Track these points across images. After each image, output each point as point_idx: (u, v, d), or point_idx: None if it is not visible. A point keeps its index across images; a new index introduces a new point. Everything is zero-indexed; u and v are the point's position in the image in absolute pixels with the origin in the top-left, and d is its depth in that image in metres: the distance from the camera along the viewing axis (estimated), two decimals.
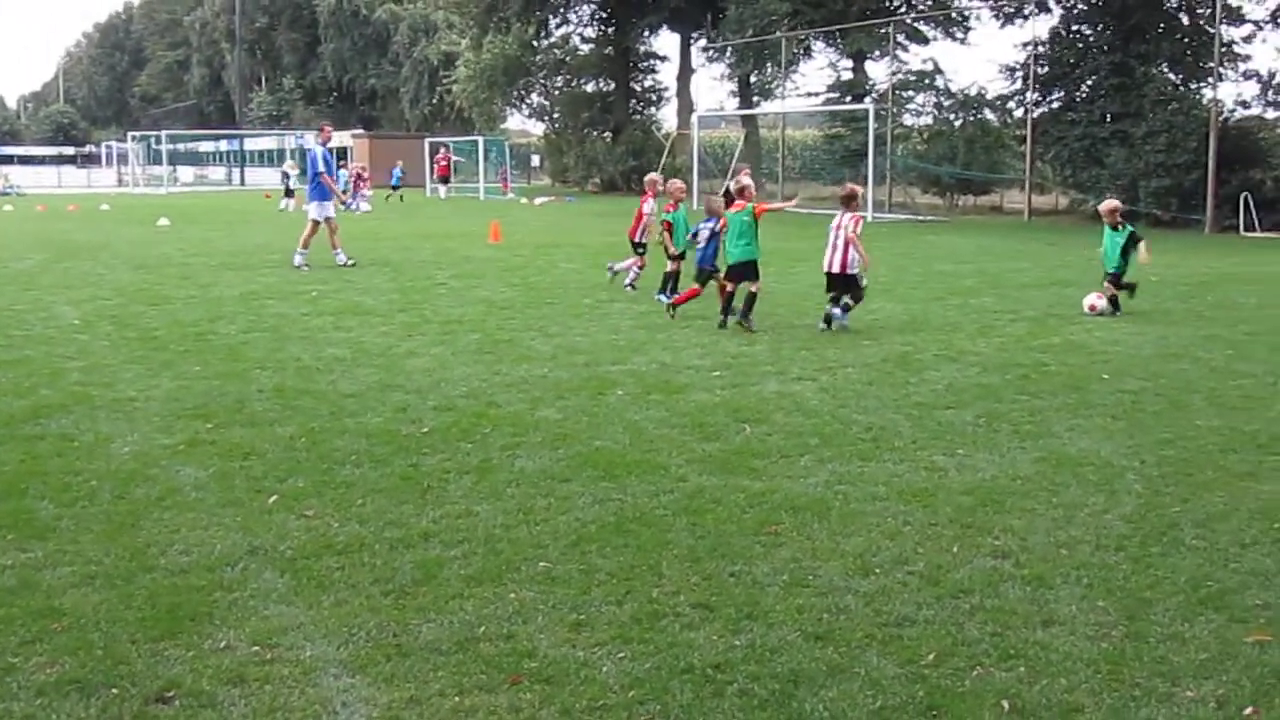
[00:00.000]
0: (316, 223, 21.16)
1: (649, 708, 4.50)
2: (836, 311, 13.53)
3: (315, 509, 6.92)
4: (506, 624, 5.29)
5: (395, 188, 49.67)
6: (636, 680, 4.73)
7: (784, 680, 4.72)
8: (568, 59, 62.41)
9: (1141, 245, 15.28)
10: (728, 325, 13.69)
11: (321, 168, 21.38)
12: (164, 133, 73.88)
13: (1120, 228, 15.39)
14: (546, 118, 66.42)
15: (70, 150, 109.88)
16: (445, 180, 54.63)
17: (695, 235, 15.01)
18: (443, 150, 56.92)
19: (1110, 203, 16.02)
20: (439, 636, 5.15)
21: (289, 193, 43.16)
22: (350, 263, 21.00)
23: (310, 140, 40.33)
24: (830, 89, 49.20)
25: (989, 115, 43.18)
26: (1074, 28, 39.03)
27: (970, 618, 5.35)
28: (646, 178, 18.53)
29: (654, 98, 63.78)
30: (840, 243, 13.45)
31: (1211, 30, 34.60)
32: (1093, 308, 14.68)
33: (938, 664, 4.86)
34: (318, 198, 21.30)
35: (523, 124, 79.43)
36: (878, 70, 47.34)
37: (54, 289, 17.95)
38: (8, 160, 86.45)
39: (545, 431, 8.81)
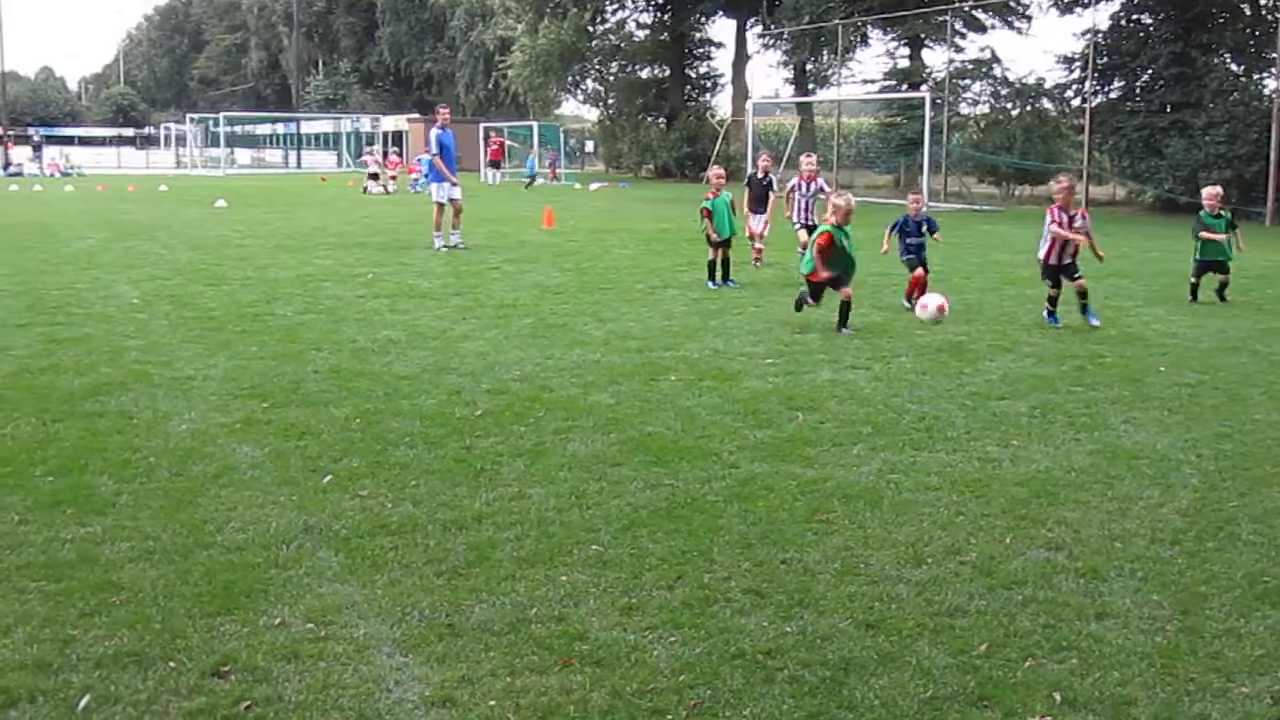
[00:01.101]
0: (440, 204, 21.47)
1: (699, 692, 4.51)
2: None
3: (369, 489, 6.98)
4: (558, 606, 5.31)
5: (531, 177, 50.41)
6: (687, 665, 4.74)
7: (835, 668, 4.71)
8: (623, 45, 62.25)
9: (1238, 232, 15.19)
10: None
11: (435, 150, 21.58)
12: (222, 115, 74.55)
13: (1223, 214, 15.17)
14: (601, 104, 66.36)
15: (130, 132, 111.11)
16: (497, 165, 54.76)
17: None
18: (495, 134, 57.12)
19: (1213, 188, 15.77)
20: (491, 617, 5.18)
21: (374, 176, 44.04)
22: (461, 246, 21.33)
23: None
24: (886, 76, 48.87)
25: (1046, 104, 42.73)
26: (1134, 17, 38.50)
27: (1023, 609, 5.31)
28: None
29: (709, 84, 63.58)
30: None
31: (1275, 19, 34.06)
32: (942, 308, 12.69)
33: (989, 655, 4.84)
34: (435, 179, 21.67)
35: (577, 110, 79.50)
36: (935, 58, 47.00)
37: (113, 268, 18.17)
38: (69, 141, 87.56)
39: (598, 416, 8.83)
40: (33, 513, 6.54)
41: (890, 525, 6.45)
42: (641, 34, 62.68)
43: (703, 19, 60.75)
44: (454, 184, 21.41)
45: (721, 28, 63.71)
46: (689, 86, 62.08)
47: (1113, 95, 38.75)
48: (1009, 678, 4.65)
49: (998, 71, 43.83)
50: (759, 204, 19.01)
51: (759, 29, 57.47)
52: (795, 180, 17.91)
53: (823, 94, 55.76)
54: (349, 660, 4.77)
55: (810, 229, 15.69)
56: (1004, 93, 43.61)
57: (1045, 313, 13.25)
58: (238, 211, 31.90)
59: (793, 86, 57.68)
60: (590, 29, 60.64)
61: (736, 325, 12.96)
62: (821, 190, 17.38)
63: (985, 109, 44.83)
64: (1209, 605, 5.35)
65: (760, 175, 19.64)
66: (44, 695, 4.48)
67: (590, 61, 62.54)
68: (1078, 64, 39.26)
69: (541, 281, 16.74)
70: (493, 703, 4.42)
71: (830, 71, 53.48)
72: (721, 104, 63.52)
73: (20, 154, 64.85)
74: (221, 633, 5.02)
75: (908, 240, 14.90)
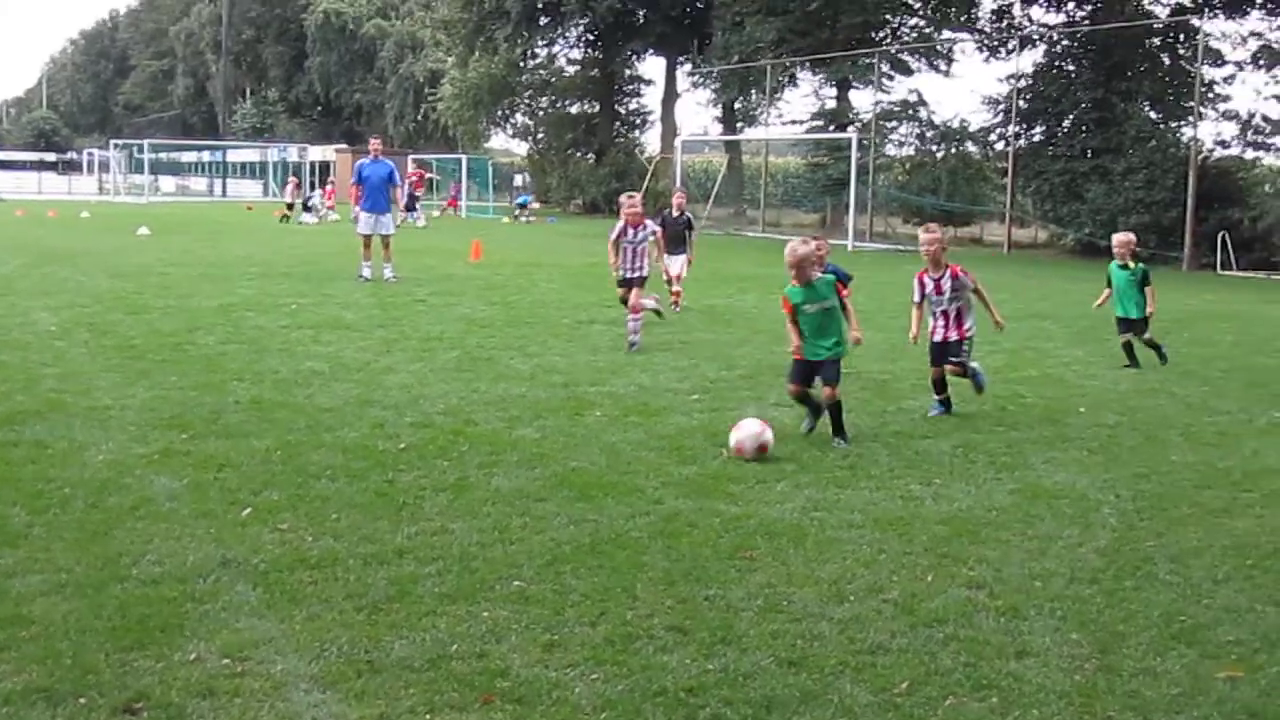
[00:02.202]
0: (364, 236, 21.35)
1: None
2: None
3: (289, 522, 6.88)
4: (479, 643, 5.27)
5: (523, 206, 50.64)
6: (609, 702, 4.71)
7: (757, 706, 4.70)
8: (553, 80, 62.48)
9: (1149, 292, 13.74)
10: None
11: (353, 180, 21.78)
12: (147, 141, 73.75)
13: (1134, 264, 13.85)
14: (530, 138, 66.45)
15: (51, 157, 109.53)
16: (414, 199, 54.48)
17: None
18: (415, 167, 56.82)
19: (1124, 235, 14.29)
20: (411, 654, 5.13)
21: (290, 206, 45.03)
22: (392, 279, 21.12)
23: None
24: (814, 117, 49.46)
25: (971, 147, 43.47)
26: (1056, 63, 39.38)
27: (944, 647, 5.34)
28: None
29: (638, 121, 63.91)
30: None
31: (1192, 70, 34.93)
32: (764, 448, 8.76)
33: (911, 693, 4.86)
34: (364, 209, 21.53)
35: (506, 143, 79.50)
36: (862, 99, 47.60)
37: (31, 295, 17.86)
38: None
39: (522, 451, 8.79)
40: None
41: (813, 562, 6.47)
42: (571, 69, 62.96)
43: (633, 56, 61.10)
44: (376, 217, 21.30)
45: (651, 65, 64.16)
46: (618, 123, 62.38)
47: (1035, 139, 39.55)
48: (930, 716, 4.67)
49: (923, 114, 44.50)
50: (675, 244, 17.64)
51: (689, 68, 57.93)
52: (620, 225, 14.30)
53: (751, 133, 56.34)
54: (265, 697, 4.69)
55: (631, 283, 14.08)
56: (929, 135, 44.28)
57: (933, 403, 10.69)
58: (161, 239, 31.51)
59: (721, 125, 58.17)
60: (520, 64, 60.79)
61: (662, 361, 12.97)
62: (653, 234, 14.70)
63: (911, 150, 45.49)
64: (1126, 644, 5.41)
65: (675, 214, 18.41)
66: None
67: (520, 95, 62.68)
68: (1002, 108, 40.00)
69: (468, 314, 16.68)
70: None
71: (759, 111, 54.06)
72: (650, 140, 63.91)
73: None
74: (135, 668, 4.92)
75: None
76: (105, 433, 9.02)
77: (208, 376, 11.39)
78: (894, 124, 45.10)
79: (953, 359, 10.52)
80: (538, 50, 61.69)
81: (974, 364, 10.76)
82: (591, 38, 60.81)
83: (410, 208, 41.50)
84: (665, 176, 51.36)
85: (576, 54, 62.95)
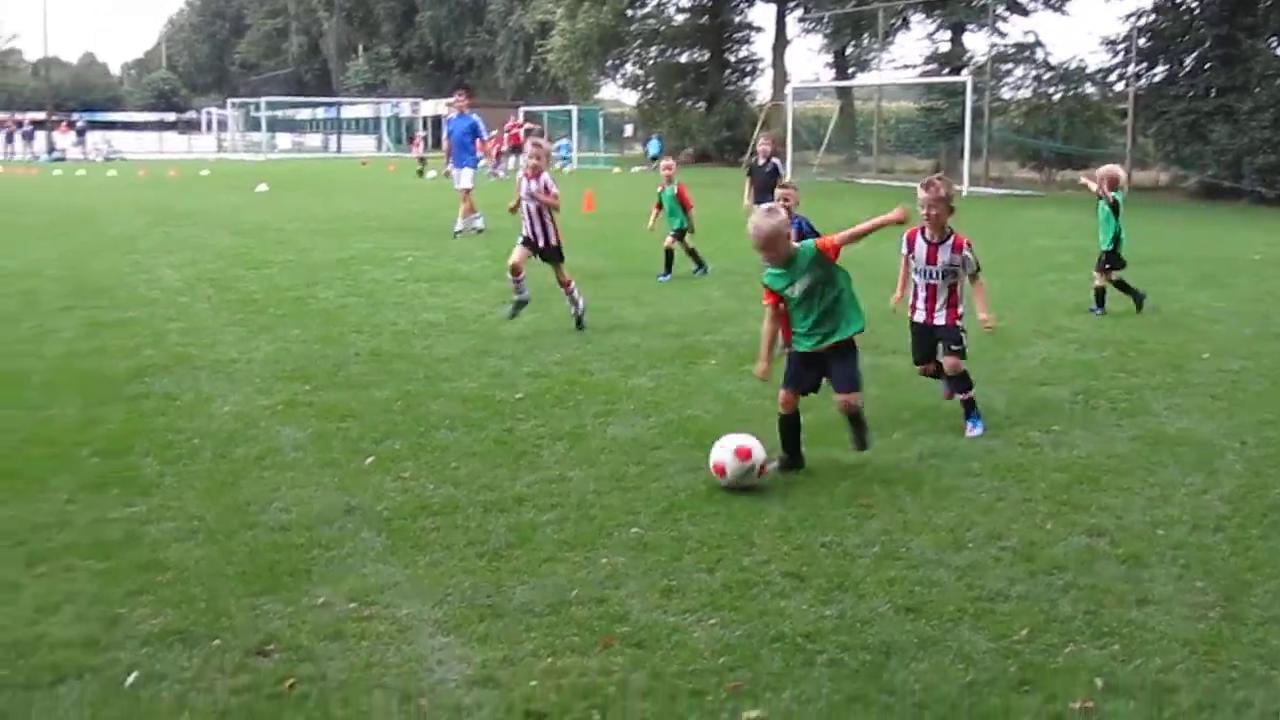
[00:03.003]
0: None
1: (739, 674, 4.52)
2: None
3: (411, 471, 7.02)
4: (598, 588, 5.34)
5: (654, 158, 51.01)
6: (728, 647, 4.75)
7: (875, 651, 4.71)
8: (662, 29, 62.13)
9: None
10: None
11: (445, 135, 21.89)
12: (262, 99, 74.82)
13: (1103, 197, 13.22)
14: (640, 88, 66.23)
15: (171, 116, 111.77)
16: (517, 150, 54.65)
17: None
18: (512, 119, 57.01)
19: (1110, 169, 13.70)
20: (532, 599, 5.22)
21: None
22: (463, 232, 21.29)
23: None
24: (927, 60, 48.60)
25: (1089, 89, 42.35)
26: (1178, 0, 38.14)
27: (1064, 595, 5.29)
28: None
29: (748, 68, 63.44)
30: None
31: None
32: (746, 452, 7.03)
33: (1030, 640, 4.83)
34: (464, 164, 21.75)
35: (617, 94, 79.28)
36: (976, 42, 46.86)
37: (156, 252, 18.33)
38: (111, 125, 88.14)
39: (638, 399, 8.85)
40: (80, 493, 6.63)
41: (930, 510, 6.43)
42: (681, 18, 62.55)
43: (743, 2, 60.53)
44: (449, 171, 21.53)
45: (761, 12, 63.58)
46: (728, 70, 61.94)
47: (1156, 79, 38.33)
48: (1050, 663, 4.63)
49: (1040, 55, 43.48)
50: (763, 193, 15.79)
51: (799, 13, 57.22)
52: (521, 180, 12.29)
53: (862, 78, 55.52)
54: (391, 640, 4.81)
55: (534, 245, 11.96)
56: (1046, 77, 43.24)
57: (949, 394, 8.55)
58: (278, 195, 32.07)
59: (833, 71, 57.41)
60: (629, 13, 60.53)
61: None
62: (546, 189, 11.89)
63: (1027, 93, 44.47)
64: (1252, 592, 5.31)
65: (762, 162, 17.23)
66: (92, 672, 4.54)
67: (629, 45, 62.44)
68: (1121, 47, 38.88)
69: (581, 265, 16.71)
70: (534, 683, 4.45)
71: (871, 56, 53.24)
72: (761, 88, 63.37)
73: (64, 139, 65.36)
74: (265, 612, 5.08)
75: None
76: (231, 385, 9.27)
77: (328, 329, 11.62)
78: (1009, 66, 44.14)
79: (953, 346, 8.22)
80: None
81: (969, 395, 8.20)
82: None
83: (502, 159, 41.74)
84: (776, 124, 50.93)
85: (686, 2, 62.53)
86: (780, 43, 60.19)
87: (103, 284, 14.69)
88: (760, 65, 62.99)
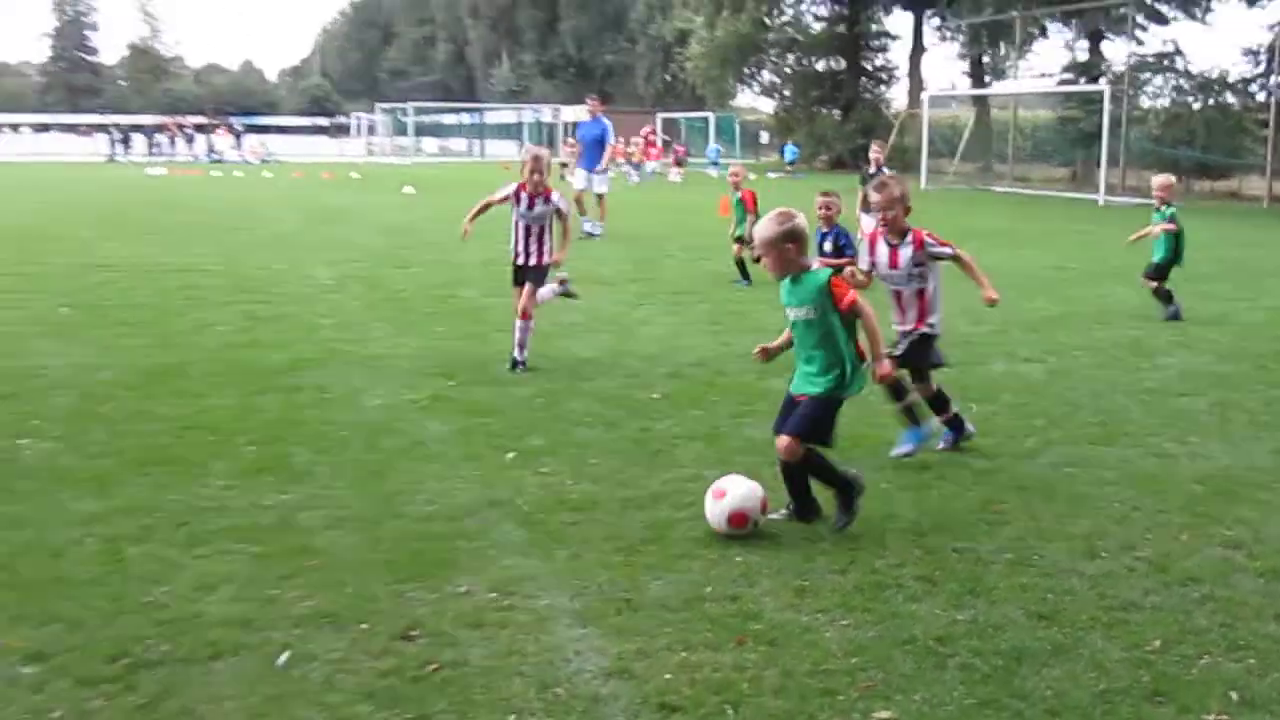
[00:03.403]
0: (582, 191, 21.62)
1: (870, 675, 4.49)
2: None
3: (550, 467, 7.09)
4: (732, 585, 5.34)
5: (790, 163, 51.43)
6: (860, 647, 4.72)
7: (1007, 657, 4.64)
8: (799, 37, 61.83)
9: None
10: None
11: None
12: (410, 105, 76.15)
13: (1164, 207, 13.16)
14: (777, 95, 65.96)
15: (324, 121, 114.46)
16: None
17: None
18: (650, 126, 57.30)
19: (1163, 177, 13.62)
20: (667, 594, 5.24)
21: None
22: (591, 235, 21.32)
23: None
24: (1064, 70, 47.61)
25: (1229, 98, 41.08)
26: None
27: (1199, 606, 5.15)
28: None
29: (884, 76, 62.83)
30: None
31: None
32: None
33: (1164, 651, 4.71)
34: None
35: (753, 101, 79.01)
36: (1114, 51, 45.61)
37: (309, 251, 18.77)
38: (266, 130, 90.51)
39: (773, 401, 8.71)
40: (236, 479, 6.83)
41: (1064, 518, 6.31)
42: (818, 26, 62.17)
43: (880, 11, 59.94)
44: (570, 174, 21.58)
45: (899, 20, 62.56)
46: (864, 78, 61.43)
47: None
48: (1184, 674, 4.52)
49: (1180, 64, 42.30)
50: (864, 203, 15.81)
51: (937, 21, 56.48)
52: (510, 187, 9.98)
53: (999, 86, 54.51)
54: (530, 630, 4.86)
55: (527, 269, 9.93)
56: (1186, 86, 42.06)
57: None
58: (425, 197, 32.60)
59: (969, 79, 56.52)
60: (767, 21, 60.35)
61: None
62: (559, 211, 9.94)
63: (1166, 103, 43.32)
64: None
65: (873, 170, 16.91)
66: (247, 650, 4.68)
67: (767, 54, 62.26)
68: (1263, 57, 37.64)
69: (717, 270, 16.75)
70: (668, 676, 4.47)
71: (1007, 64, 52.30)
72: (897, 95, 62.66)
73: (223, 141, 67.25)
74: (410, 599, 5.17)
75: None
76: (379, 379, 9.46)
77: (472, 327, 11.80)
78: (1148, 75, 43.04)
79: (934, 364, 7.60)
80: (784, 7, 61.17)
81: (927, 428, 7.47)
82: None
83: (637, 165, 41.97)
84: (911, 132, 50.34)
85: (823, 10, 62.18)
86: (917, 51, 59.53)
87: (259, 280, 15.10)
88: (896, 73, 62.37)
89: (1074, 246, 14.53)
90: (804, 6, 61.92)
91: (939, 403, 7.57)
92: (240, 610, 5.04)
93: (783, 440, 6.13)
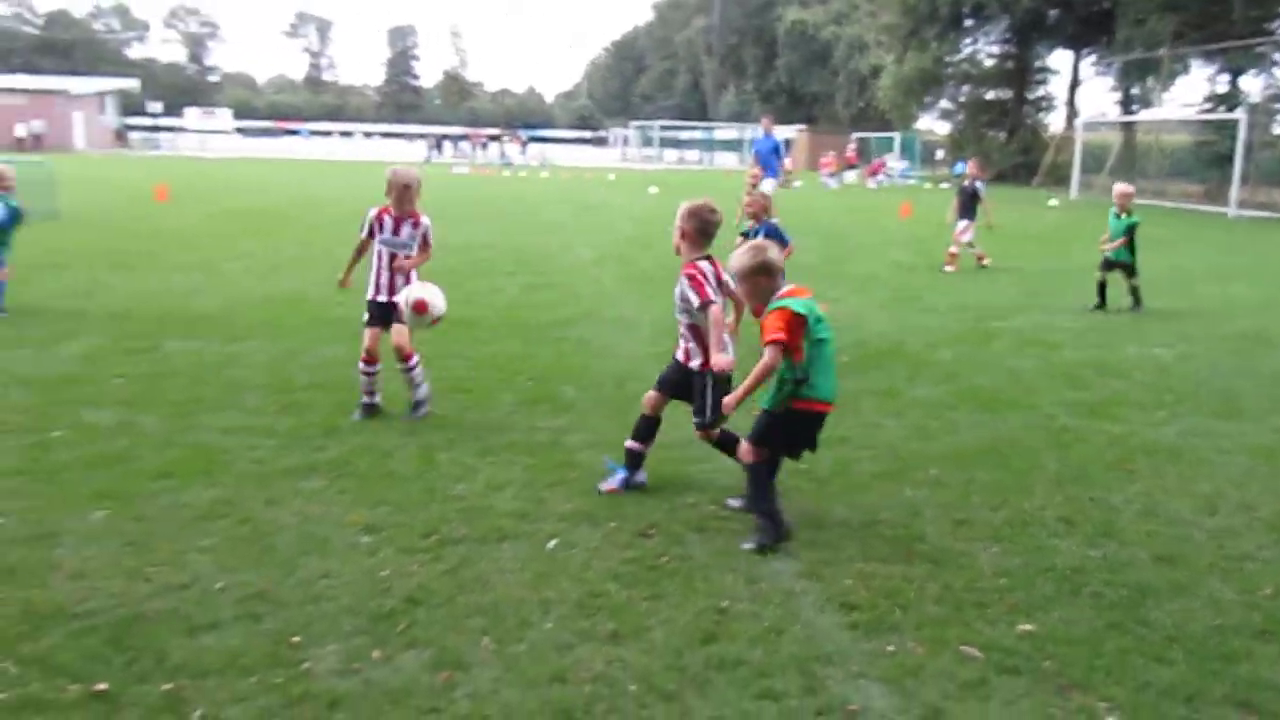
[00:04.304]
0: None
1: (1016, 595, 4.37)
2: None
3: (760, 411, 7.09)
4: (902, 513, 5.27)
5: (958, 175, 50.59)
6: (1007, 571, 4.60)
7: (1133, 590, 4.45)
8: (973, 71, 59.51)
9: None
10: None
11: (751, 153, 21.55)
12: (656, 123, 76.41)
13: (1125, 215, 12.01)
14: (952, 119, 63.73)
15: (588, 134, 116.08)
16: (853, 167, 53.80)
17: None
18: (853, 143, 56.26)
19: (1123, 186, 12.33)
20: (848, 516, 5.20)
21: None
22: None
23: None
24: (1205, 99, 44.49)
25: None
26: None
27: None
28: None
29: (1044, 105, 59.87)
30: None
31: None
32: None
33: (1275, 597, 4.43)
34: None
35: (931, 124, 76.48)
36: (1251, 84, 42.33)
37: (575, 234, 19.13)
38: (544, 140, 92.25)
39: (938, 369, 8.61)
40: (518, 407, 7.06)
41: (1188, 479, 5.98)
42: (990, 62, 59.65)
43: (1044, 50, 57.20)
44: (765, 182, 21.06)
45: (1059, 57, 59.66)
46: (1027, 106, 58.68)
47: None
48: None
49: None
50: (964, 212, 15.49)
51: (1093, 58, 53.52)
52: (371, 213, 6.88)
53: (1145, 114, 51.30)
54: (740, 537, 4.90)
55: (393, 307, 6.72)
56: None
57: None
58: (666, 196, 32.73)
59: (1119, 107, 53.38)
60: (946, 58, 58.29)
61: (1058, 303, 12.25)
62: (424, 239, 6.89)
63: None
64: None
65: (967, 183, 15.86)
66: (524, 536, 4.86)
67: (945, 85, 60.15)
68: None
69: (897, 260, 16.38)
70: (848, 581, 4.45)
71: (1153, 95, 49.17)
72: (1053, 121, 59.69)
73: (512, 149, 68.91)
74: (649, 506, 5.26)
75: None
76: (627, 336, 9.60)
77: None
78: None
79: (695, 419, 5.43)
80: (962, 47, 58.94)
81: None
82: (1009, 35, 57.40)
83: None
84: (1066, 153, 47.92)
85: (995, 49, 59.60)
86: (1074, 83, 56.52)
87: (536, 256, 15.48)
88: (1055, 102, 59.35)
89: (1204, 251, 13.65)
90: (979, 45, 59.47)
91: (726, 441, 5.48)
92: (519, 506, 5.23)
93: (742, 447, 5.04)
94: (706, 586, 4.36)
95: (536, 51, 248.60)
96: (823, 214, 26.35)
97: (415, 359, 6.83)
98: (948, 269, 15.11)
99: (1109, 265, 12.01)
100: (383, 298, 6.81)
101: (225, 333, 9.30)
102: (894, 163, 53.14)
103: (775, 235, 9.41)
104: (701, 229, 5.41)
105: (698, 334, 5.47)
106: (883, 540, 4.90)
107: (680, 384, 5.53)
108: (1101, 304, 11.84)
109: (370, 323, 6.83)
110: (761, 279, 5.00)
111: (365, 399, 6.85)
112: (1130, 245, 11.92)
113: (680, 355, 5.53)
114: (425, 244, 6.95)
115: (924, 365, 8.70)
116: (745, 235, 13.24)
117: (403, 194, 6.80)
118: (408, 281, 6.75)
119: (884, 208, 29.41)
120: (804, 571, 4.54)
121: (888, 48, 63.09)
